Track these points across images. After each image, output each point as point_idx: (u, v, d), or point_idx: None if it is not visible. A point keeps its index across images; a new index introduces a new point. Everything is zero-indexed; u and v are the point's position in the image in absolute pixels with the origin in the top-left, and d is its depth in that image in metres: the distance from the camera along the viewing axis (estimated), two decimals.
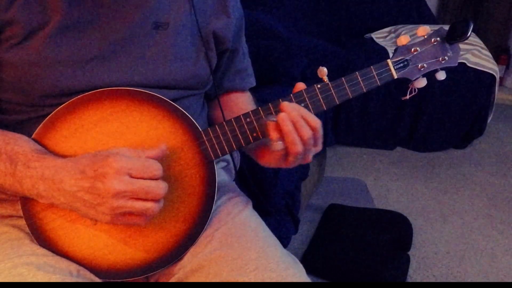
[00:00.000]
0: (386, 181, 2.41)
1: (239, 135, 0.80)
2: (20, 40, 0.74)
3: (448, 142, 2.77)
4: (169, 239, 0.79)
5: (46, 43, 0.75)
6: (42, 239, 0.76)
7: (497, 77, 2.71)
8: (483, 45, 2.77)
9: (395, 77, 0.84)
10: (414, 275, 1.74)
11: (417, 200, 2.25)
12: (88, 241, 0.76)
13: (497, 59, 3.24)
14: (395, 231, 1.91)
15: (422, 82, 0.87)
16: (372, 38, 2.98)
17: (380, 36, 2.99)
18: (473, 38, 2.76)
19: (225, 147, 0.80)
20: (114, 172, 0.67)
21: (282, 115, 0.75)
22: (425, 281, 1.72)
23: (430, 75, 0.88)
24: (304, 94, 0.81)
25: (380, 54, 2.67)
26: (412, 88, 0.88)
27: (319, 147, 0.79)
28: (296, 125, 0.75)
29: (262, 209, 1.30)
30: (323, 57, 2.57)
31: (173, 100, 0.79)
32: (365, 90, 0.83)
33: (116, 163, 0.67)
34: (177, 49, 0.84)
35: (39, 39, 0.75)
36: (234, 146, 0.81)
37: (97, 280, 0.76)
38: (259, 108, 0.81)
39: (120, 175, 0.67)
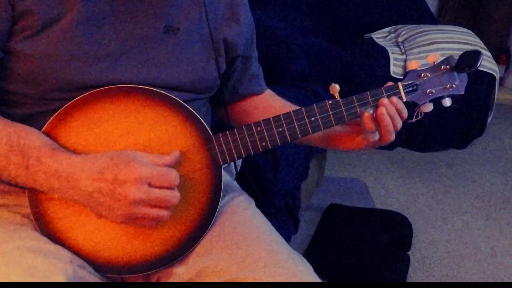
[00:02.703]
0: (386, 181, 2.41)
1: (249, 143, 0.82)
2: (35, 32, 0.75)
3: (448, 142, 2.77)
4: (171, 239, 0.79)
5: (61, 36, 0.75)
6: (46, 228, 0.76)
7: (497, 77, 2.71)
8: (483, 45, 2.77)
9: (404, 100, 0.87)
10: (414, 275, 1.74)
11: (417, 200, 2.25)
12: (91, 234, 0.76)
13: (497, 59, 3.24)
14: (395, 231, 1.91)
15: (428, 107, 0.89)
16: (372, 38, 2.97)
17: (380, 36, 2.99)
18: (473, 38, 2.76)
19: (234, 154, 0.82)
20: (135, 180, 0.69)
21: (382, 109, 0.82)
22: (425, 281, 1.72)
23: (436, 101, 0.90)
24: (315, 109, 0.83)
25: (380, 54, 2.65)
26: (418, 112, 0.90)
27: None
28: (392, 118, 0.83)
29: (262, 209, 1.30)
30: (323, 57, 2.55)
31: None
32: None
33: (138, 171, 0.69)
34: (186, 53, 0.85)
35: (53, 32, 0.75)
36: (243, 154, 0.82)
37: (95, 276, 0.76)
38: (270, 118, 0.82)
39: (140, 184, 0.69)
